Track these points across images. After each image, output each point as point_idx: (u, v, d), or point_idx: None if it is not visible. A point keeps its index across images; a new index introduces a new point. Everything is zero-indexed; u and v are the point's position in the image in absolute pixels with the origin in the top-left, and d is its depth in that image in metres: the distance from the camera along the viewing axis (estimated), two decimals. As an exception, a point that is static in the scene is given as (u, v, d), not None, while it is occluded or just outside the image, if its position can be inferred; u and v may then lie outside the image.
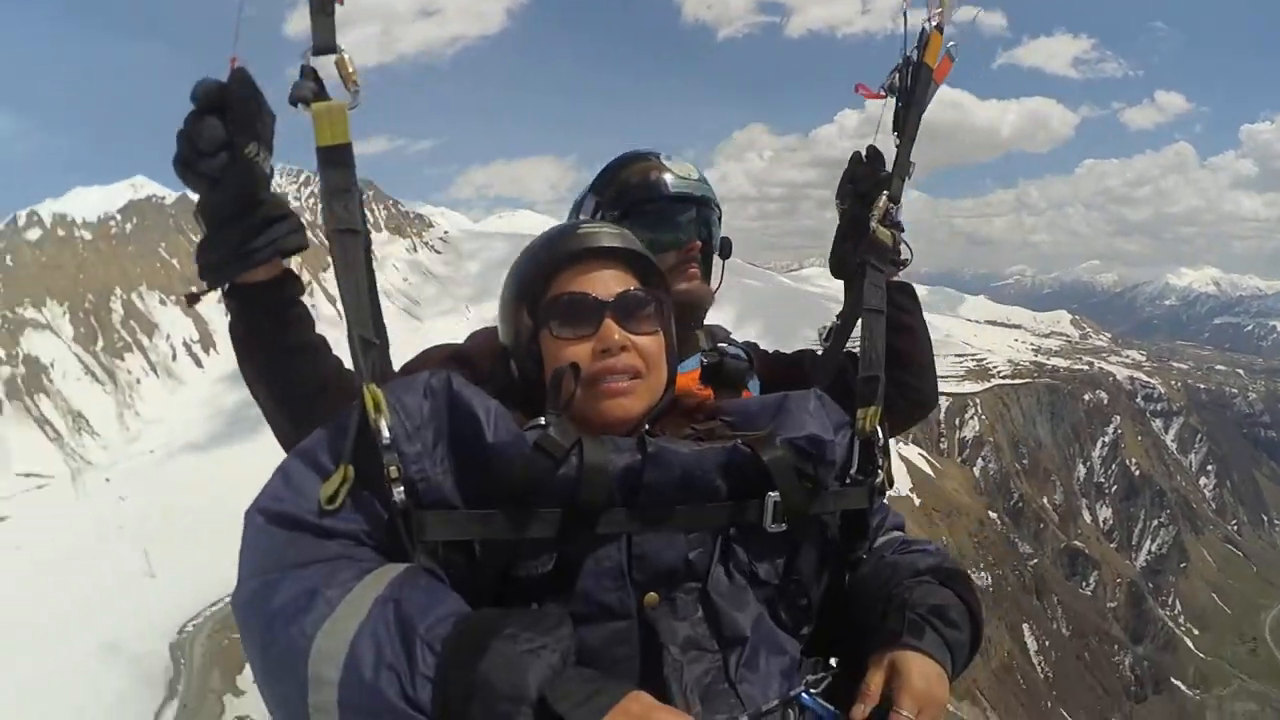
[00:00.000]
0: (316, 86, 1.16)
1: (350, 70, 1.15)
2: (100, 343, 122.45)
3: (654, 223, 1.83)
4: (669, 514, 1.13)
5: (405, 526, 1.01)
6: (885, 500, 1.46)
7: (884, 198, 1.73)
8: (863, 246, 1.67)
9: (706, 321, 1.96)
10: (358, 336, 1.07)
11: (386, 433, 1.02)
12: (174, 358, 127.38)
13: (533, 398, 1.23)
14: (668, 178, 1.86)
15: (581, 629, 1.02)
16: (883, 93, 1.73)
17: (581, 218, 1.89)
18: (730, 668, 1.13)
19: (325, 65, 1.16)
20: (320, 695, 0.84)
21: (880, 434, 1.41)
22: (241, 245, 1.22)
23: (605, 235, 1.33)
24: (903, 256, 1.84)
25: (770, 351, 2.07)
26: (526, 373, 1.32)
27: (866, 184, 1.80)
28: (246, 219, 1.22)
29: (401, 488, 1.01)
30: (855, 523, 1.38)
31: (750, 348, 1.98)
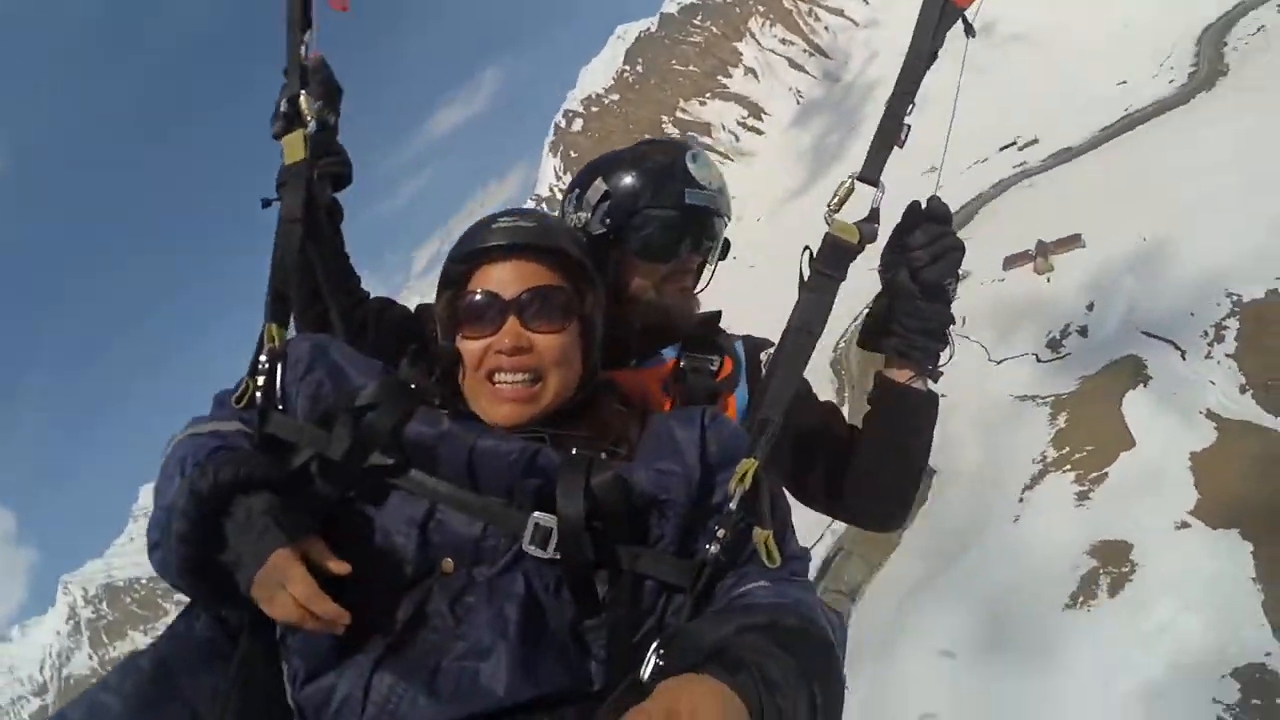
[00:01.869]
0: (284, 123, 1.64)
1: (305, 109, 1.63)
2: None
3: (659, 231, 1.72)
4: (459, 493, 1.18)
5: (258, 420, 1.31)
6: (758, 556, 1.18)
7: (850, 179, 1.45)
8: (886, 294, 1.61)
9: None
10: (274, 290, 1.48)
11: (264, 359, 1.36)
12: (737, 139, 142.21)
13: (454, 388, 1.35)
14: (686, 187, 1.71)
15: (373, 559, 1.16)
16: None
17: (582, 209, 1.75)
18: (457, 658, 1.11)
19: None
20: (155, 481, 1.24)
21: (758, 495, 1.20)
22: (302, 210, 1.64)
23: (516, 230, 1.33)
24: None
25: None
26: (443, 358, 1.35)
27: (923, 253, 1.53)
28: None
29: (259, 394, 1.33)
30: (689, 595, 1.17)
31: (756, 346, 1.77)
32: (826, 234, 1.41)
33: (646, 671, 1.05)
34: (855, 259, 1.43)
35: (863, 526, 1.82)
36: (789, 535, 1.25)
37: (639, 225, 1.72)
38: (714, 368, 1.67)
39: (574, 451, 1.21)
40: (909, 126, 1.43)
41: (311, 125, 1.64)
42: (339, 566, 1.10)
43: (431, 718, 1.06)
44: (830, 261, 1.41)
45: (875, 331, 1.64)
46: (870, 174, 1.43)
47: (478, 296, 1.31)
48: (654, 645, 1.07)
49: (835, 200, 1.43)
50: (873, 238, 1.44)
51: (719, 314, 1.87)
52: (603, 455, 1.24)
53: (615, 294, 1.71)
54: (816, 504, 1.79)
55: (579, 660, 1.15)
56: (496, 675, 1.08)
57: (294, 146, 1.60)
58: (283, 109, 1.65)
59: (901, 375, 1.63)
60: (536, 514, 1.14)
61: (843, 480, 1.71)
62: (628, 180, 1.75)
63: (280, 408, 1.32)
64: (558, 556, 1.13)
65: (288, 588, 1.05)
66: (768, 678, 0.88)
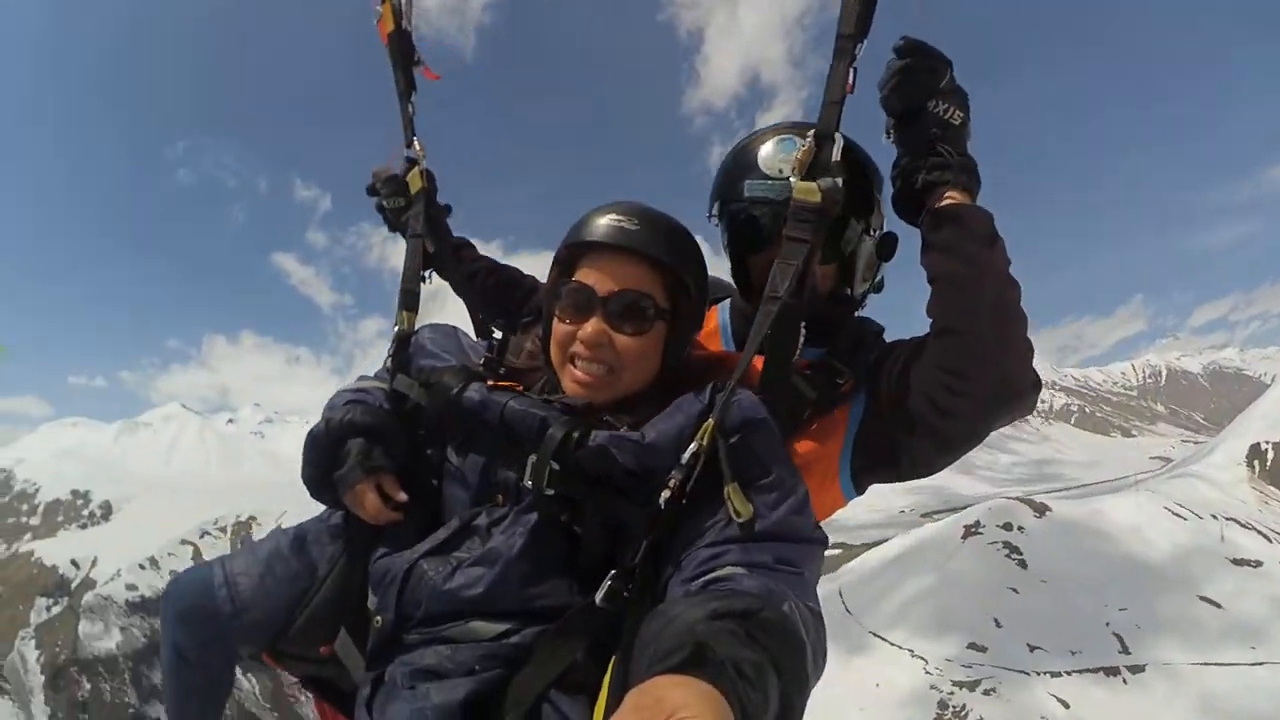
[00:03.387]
0: (407, 166, 2.09)
1: (420, 153, 2.07)
2: None
3: (730, 225, 1.72)
4: (496, 446, 1.46)
5: (390, 379, 1.68)
6: (734, 526, 1.21)
7: (809, 140, 1.43)
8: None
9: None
10: (405, 288, 1.87)
11: (394, 333, 1.77)
12: None
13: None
14: (748, 178, 1.67)
15: (453, 487, 1.53)
16: None
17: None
18: (472, 563, 1.37)
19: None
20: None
21: (717, 452, 1.26)
22: (424, 227, 2.04)
23: (619, 230, 1.41)
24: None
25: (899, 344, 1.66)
26: (544, 324, 1.52)
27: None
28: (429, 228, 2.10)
29: (390, 360, 1.74)
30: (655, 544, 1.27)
31: (883, 351, 1.64)
32: (791, 199, 1.43)
33: (600, 596, 1.22)
34: (826, 218, 1.42)
35: (986, 410, 1.46)
36: (792, 510, 1.25)
37: (724, 219, 1.76)
38: (840, 380, 1.62)
39: (572, 416, 1.39)
40: (856, 71, 1.40)
41: (423, 163, 2.07)
42: (399, 496, 1.54)
43: (436, 600, 1.35)
44: (796, 225, 1.42)
45: (901, 198, 1.59)
46: (825, 127, 1.42)
47: (575, 286, 1.43)
48: (611, 572, 1.23)
49: (796, 163, 1.44)
50: (834, 191, 1.40)
51: (866, 325, 1.76)
52: (623, 430, 1.36)
53: (742, 285, 1.78)
54: (937, 442, 1.51)
55: (568, 587, 1.34)
56: (487, 580, 1.33)
57: (414, 180, 2.07)
58: (404, 154, 2.11)
59: (935, 204, 1.51)
60: (533, 456, 1.36)
61: (933, 380, 1.47)
62: (720, 171, 1.79)
63: (405, 372, 1.69)
64: (548, 491, 1.34)
65: (363, 506, 1.53)
66: (745, 675, 0.87)
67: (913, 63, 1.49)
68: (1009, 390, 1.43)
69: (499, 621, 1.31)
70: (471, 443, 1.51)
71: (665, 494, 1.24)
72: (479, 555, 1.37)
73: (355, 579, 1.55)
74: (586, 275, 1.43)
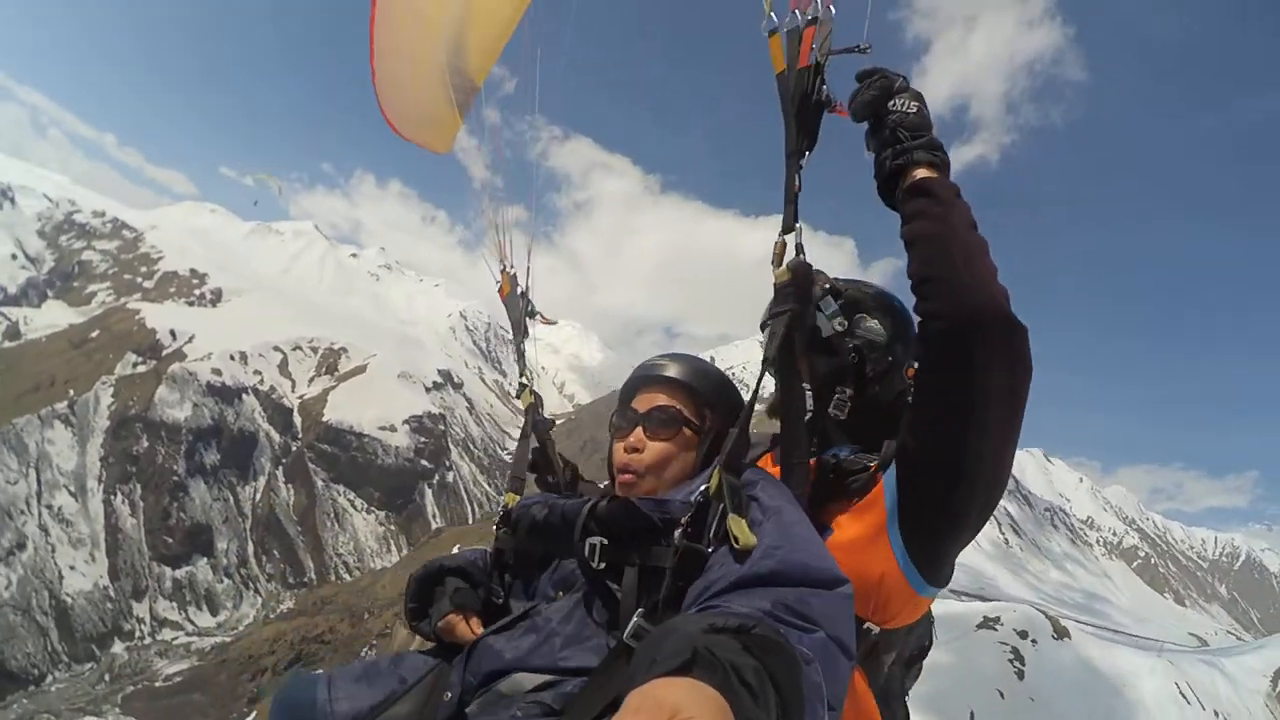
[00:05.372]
0: (518, 389, 2.46)
1: (531, 378, 2.48)
2: None
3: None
4: (561, 543, 1.69)
5: (495, 540, 1.97)
6: (734, 558, 1.36)
7: (780, 238, 1.71)
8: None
9: None
10: (513, 475, 2.21)
11: (501, 512, 2.05)
12: None
13: None
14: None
15: (528, 588, 1.86)
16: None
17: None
18: (523, 633, 1.61)
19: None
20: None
21: (722, 492, 1.46)
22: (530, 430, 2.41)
23: (657, 366, 1.90)
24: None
25: None
26: (610, 447, 1.93)
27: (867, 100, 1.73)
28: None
29: (503, 505, 2.05)
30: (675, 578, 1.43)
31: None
32: (774, 284, 1.71)
33: (625, 634, 1.35)
34: (802, 290, 1.68)
35: (970, 349, 1.54)
36: (794, 550, 1.35)
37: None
38: (870, 463, 1.81)
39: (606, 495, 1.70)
40: (799, 179, 1.68)
41: (535, 387, 2.52)
42: (477, 630, 1.77)
43: (489, 660, 1.57)
44: (776, 302, 1.70)
45: (882, 190, 1.72)
46: (786, 225, 1.69)
47: (626, 411, 1.90)
48: (637, 610, 1.38)
49: (775, 258, 1.70)
50: (800, 265, 1.68)
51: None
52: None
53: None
54: (945, 457, 1.62)
55: (604, 649, 1.48)
56: (531, 643, 1.55)
57: (526, 398, 2.50)
58: (520, 381, 2.54)
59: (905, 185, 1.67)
60: (590, 539, 1.57)
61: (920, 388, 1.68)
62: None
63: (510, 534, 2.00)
64: (601, 566, 1.55)
65: (455, 634, 1.78)
66: (746, 681, 0.90)
67: (869, 80, 1.72)
68: (982, 320, 1.52)
69: (539, 675, 1.48)
70: (545, 559, 1.82)
71: (678, 531, 1.45)
72: (529, 626, 1.61)
73: (439, 689, 1.66)
74: (636, 402, 1.89)
